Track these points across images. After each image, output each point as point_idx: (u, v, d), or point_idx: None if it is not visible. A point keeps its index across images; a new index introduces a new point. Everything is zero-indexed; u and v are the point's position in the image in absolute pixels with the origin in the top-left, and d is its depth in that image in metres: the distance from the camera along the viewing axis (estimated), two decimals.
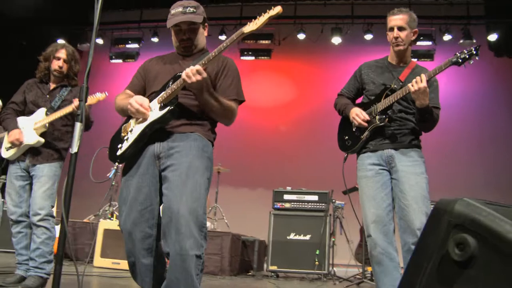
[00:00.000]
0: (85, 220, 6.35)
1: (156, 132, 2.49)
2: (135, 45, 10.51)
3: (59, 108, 3.78)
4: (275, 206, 6.31)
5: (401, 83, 3.17)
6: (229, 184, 8.70)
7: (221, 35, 10.08)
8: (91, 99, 3.78)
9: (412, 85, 2.94)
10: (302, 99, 10.24)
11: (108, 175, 5.46)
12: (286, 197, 6.32)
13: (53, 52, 3.92)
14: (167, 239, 2.30)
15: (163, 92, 2.48)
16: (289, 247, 6.01)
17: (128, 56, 10.49)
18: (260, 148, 9.78)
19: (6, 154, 3.83)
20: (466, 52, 2.96)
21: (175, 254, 2.26)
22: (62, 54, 3.90)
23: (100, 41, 10.52)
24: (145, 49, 10.53)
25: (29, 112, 3.85)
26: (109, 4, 10.22)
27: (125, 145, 2.54)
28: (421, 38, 8.98)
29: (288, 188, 6.39)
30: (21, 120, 3.82)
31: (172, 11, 2.63)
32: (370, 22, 9.55)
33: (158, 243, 2.45)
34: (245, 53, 10.33)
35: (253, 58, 10.37)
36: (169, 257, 2.29)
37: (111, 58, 10.57)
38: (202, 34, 2.75)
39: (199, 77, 2.34)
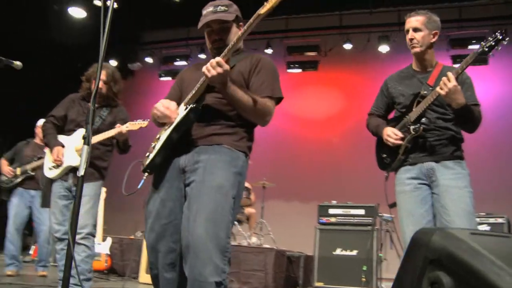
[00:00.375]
0: (131, 237, 6.50)
1: (183, 143, 2.38)
2: (183, 63, 10.67)
3: (99, 129, 3.84)
4: (320, 221, 6.17)
5: (430, 88, 2.97)
6: (276, 198, 8.61)
7: (267, 48, 10.09)
8: (133, 126, 3.76)
9: (441, 88, 2.74)
10: (351, 110, 10.00)
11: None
12: (331, 211, 6.16)
13: (94, 73, 3.99)
14: (186, 263, 2.20)
15: (189, 94, 2.39)
16: (336, 263, 5.84)
17: (177, 73, 10.56)
18: (307, 161, 9.64)
19: (50, 174, 3.95)
20: (491, 39, 2.76)
21: (193, 280, 2.15)
22: (101, 75, 3.97)
23: (149, 60, 10.82)
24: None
25: (69, 130, 3.95)
26: (158, 23, 10.54)
27: (152, 154, 2.44)
28: (473, 41, 8.54)
29: (334, 202, 6.24)
30: (62, 139, 3.92)
31: (204, 12, 2.50)
32: None
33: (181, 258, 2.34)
34: (292, 66, 10.26)
35: (300, 70, 10.27)
36: (187, 282, 2.18)
37: (160, 76, 10.80)
38: (236, 34, 2.45)
39: (219, 69, 2.18)
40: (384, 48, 9.44)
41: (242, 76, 2.46)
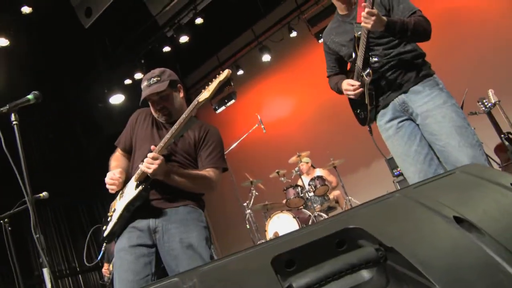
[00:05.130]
0: None
1: (149, 205, 2.60)
2: (228, 87, 10.89)
3: None
4: (395, 173, 6.01)
5: (361, 26, 2.76)
6: (350, 171, 8.54)
7: (291, 33, 10.00)
8: None
9: (365, 22, 2.57)
10: None
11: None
12: None
13: None
14: None
15: (138, 170, 2.57)
16: None
17: (228, 99, 10.86)
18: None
19: None
20: None
21: None
22: None
23: None
24: (237, 84, 10.89)
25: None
26: (189, 68, 11.04)
27: (110, 226, 2.65)
28: None
29: None
30: None
31: (142, 86, 2.73)
32: None
33: None
34: (320, 35, 9.96)
35: None
36: None
37: (216, 110, 11.11)
38: (177, 97, 2.79)
39: (157, 163, 2.42)
40: None
41: (189, 146, 2.70)
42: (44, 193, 4.10)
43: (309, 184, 6.69)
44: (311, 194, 6.62)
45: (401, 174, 5.90)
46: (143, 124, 2.85)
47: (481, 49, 7.72)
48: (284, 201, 6.95)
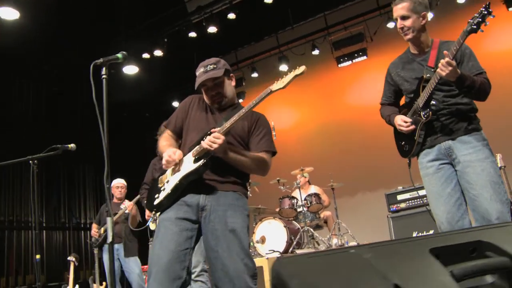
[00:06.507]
0: None
1: (202, 184, 2.72)
2: (239, 87, 11.02)
3: None
4: (391, 209, 6.17)
5: (432, 70, 3.01)
6: (346, 195, 8.71)
7: (314, 50, 10.20)
8: None
9: (442, 70, 2.80)
10: None
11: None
12: (399, 197, 6.15)
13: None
14: None
15: (197, 146, 2.72)
16: None
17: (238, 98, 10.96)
18: (368, 150, 9.51)
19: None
20: (477, 16, 2.77)
21: None
22: None
23: None
24: (249, 87, 11.05)
25: None
26: (206, 58, 11.05)
27: (162, 195, 2.79)
28: None
29: (400, 188, 6.21)
30: None
31: (197, 73, 2.88)
32: None
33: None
34: (341, 60, 10.22)
35: (350, 62, 10.20)
36: None
37: None
38: (230, 85, 2.96)
39: (220, 141, 2.56)
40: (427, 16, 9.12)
41: (243, 131, 2.84)
42: (72, 145, 4.11)
43: (305, 199, 6.84)
44: (305, 208, 6.76)
45: (397, 211, 6.09)
46: (197, 107, 2.99)
47: (496, 112, 7.99)
48: (277, 209, 7.08)
